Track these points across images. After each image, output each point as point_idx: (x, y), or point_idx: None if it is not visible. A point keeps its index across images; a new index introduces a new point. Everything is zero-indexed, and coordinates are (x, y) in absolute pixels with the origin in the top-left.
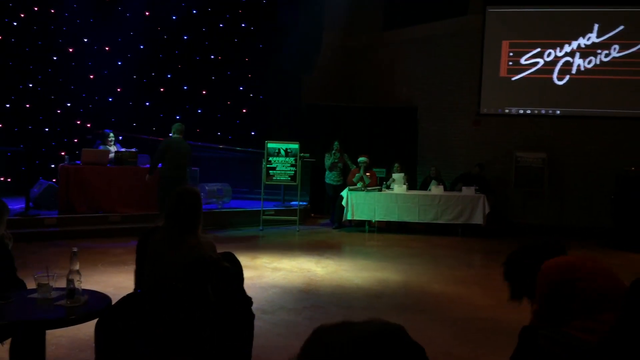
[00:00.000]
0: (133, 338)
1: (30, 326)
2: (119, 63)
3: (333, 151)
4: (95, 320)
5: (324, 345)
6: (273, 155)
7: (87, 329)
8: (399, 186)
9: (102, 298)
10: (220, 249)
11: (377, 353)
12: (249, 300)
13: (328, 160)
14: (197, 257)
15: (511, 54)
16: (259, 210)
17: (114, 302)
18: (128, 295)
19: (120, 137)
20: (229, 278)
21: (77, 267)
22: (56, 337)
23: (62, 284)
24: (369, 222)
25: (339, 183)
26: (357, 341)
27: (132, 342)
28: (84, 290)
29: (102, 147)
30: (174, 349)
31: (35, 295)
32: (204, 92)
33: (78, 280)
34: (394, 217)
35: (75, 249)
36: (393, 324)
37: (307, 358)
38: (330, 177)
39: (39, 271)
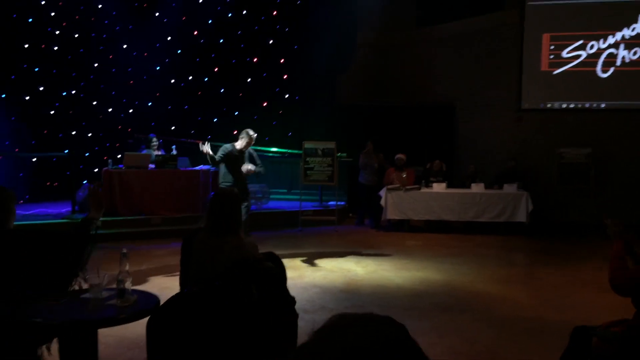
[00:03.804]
0: (183, 337)
1: (83, 325)
2: (157, 68)
3: (365, 150)
4: (143, 320)
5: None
6: (310, 156)
7: (135, 328)
8: (438, 185)
9: (151, 297)
10: (260, 250)
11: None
12: (292, 300)
13: (361, 160)
14: (241, 257)
15: (552, 47)
16: (297, 211)
17: (162, 302)
18: (177, 294)
19: (160, 141)
20: (272, 278)
21: (127, 267)
22: (104, 336)
23: (112, 284)
24: (408, 221)
25: (372, 183)
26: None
27: (182, 341)
28: (133, 290)
29: (145, 152)
30: (221, 348)
31: (87, 295)
32: (240, 95)
33: (128, 281)
34: (433, 216)
35: (125, 250)
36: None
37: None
38: (363, 177)
39: (91, 272)
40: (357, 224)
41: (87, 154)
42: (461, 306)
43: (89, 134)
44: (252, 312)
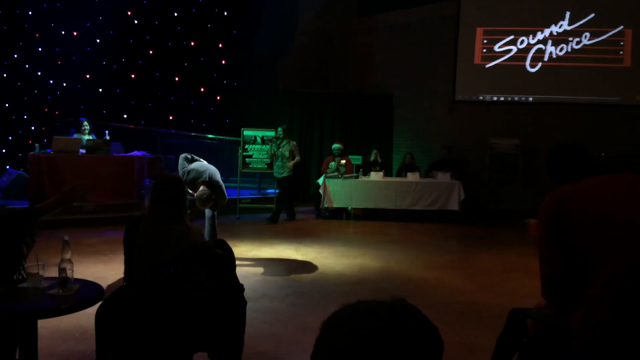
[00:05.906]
0: (134, 327)
1: (22, 316)
2: (88, 49)
3: (275, 137)
4: (84, 310)
5: (343, 321)
6: (249, 143)
7: (70, 319)
8: (375, 173)
9: (94, 286)
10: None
11: (396, 325)
12: (241, 287)
13: (271, 150)
14: (189, 245)
15: (485, 41)
16: (236, 199)
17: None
18: (125, 285)
19: (91, 125)
20: (222, 265)
21: (68, 255)
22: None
23: (52, 273)
24: (346, 209)
25: (283, 175)
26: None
27: (134, 331)
28: (75, 279)
29: (75, 136)
30: (172, 337)
31: (25, 284)
32: (176, 79)
33: (70, 269)
34: (370, 204)
35: (66, 238)
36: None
37: (327, 335)
38: (274, 169)
39: (29, 261)
40: (269, 220)
41: (10, 138)
42: (399, 292)
43: (13, 117)
44: (203, 300)
